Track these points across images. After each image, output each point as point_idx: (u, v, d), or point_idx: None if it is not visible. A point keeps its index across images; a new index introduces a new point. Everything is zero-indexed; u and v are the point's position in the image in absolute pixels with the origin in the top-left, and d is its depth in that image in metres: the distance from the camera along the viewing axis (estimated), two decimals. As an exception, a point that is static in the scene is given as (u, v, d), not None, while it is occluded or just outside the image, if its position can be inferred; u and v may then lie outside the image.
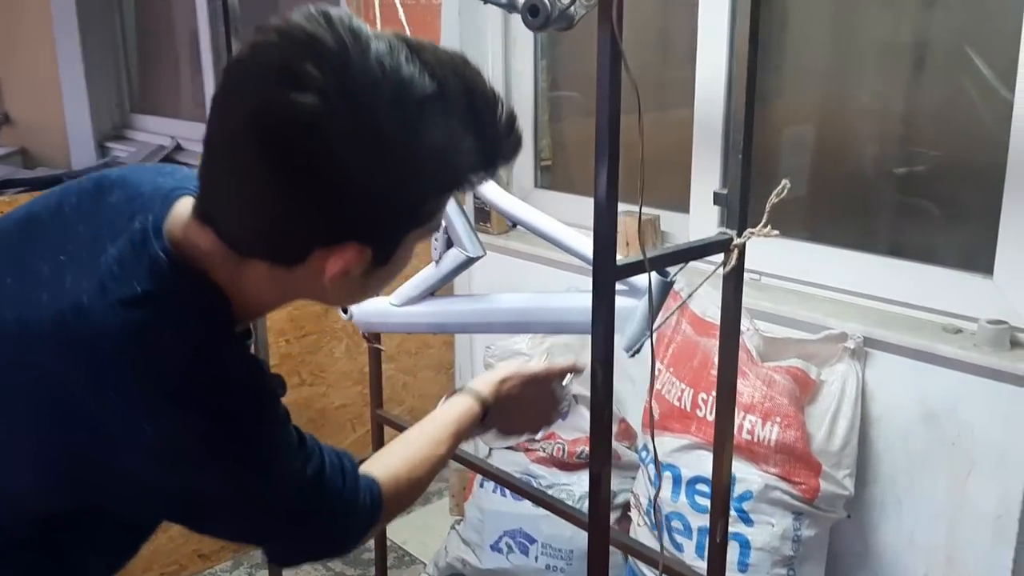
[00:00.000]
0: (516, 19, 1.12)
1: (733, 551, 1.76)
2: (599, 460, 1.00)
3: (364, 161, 0.74)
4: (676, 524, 1.82)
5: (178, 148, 3.61)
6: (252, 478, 0.85)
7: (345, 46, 0.73)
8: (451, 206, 1.42)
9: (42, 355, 0.80)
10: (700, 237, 1.11)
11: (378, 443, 2.01)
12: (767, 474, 1.73)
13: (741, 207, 1.07)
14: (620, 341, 1.26)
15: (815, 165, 2.05)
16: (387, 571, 2.07)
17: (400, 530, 2.52)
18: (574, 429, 2.09)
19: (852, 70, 2.00)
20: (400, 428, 2.03)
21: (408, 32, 0.81)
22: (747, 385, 1.75)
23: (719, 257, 1.09)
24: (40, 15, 3.80)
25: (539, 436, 1.28)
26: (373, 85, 0.74)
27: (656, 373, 1.96)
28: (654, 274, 1.20)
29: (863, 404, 1.79)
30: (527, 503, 2.00)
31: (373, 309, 1.48)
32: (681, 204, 2.15)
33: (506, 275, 2.35)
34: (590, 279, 0.93)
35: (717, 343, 1.87)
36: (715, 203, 1.08)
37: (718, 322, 1.87)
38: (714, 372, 1.83)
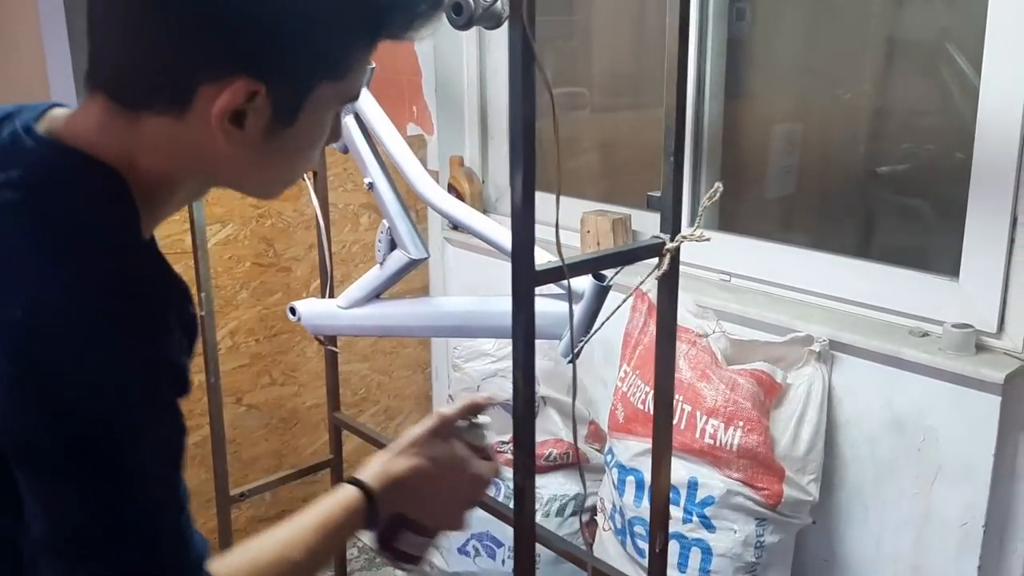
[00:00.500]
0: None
1: (695, 557, 1.73)
2: (522, 472, 0.97)
3: None
4: (639, 530, 1.80)
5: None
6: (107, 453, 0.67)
7: None
8: (395, 207, 1.39)
9: None
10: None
11: (336, 447, 1.99)
12: (730, 479, 1.70)
13: (674, 211, 1.04)
14: (559, 346, 1.24)
15: (784, 167, 2.02)
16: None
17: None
18: (541, 431, 2.06)
19: (822, 72, 1.97)
20: (357, 432, 2.02)
21: None
22: (710, 389, 1.72)
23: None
24: (27, 16, 3.79)
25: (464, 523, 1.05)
26: None
27: (622, 375, 1.94)
28: (590, 278, 1.19)
29: (829, 408, 1.76)
30: (493, 506, 1.98)
31: (320, 311, 1.46)
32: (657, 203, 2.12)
33: (489, 277, 2.32)
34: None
35: (684, 346, 1.86)
36: (648, 207, 1.05)
37: (685, 324, 1.84)
38: (679, 375, 1.80)
